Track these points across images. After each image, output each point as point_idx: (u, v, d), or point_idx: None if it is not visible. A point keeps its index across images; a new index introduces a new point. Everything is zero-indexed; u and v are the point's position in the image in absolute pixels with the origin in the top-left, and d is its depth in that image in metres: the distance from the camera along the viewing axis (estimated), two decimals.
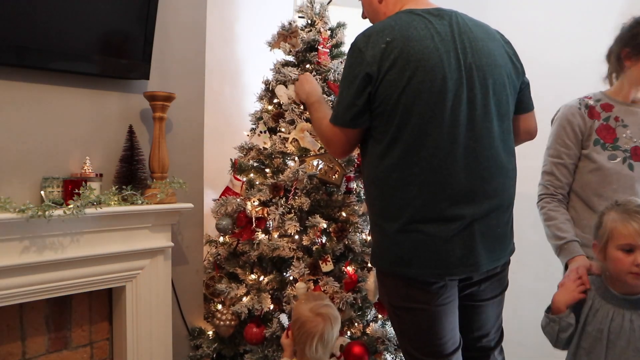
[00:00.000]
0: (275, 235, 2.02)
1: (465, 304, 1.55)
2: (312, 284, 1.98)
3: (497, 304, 1.63)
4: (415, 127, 1.39)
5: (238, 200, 2.14)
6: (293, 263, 1.97)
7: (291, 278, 1.97)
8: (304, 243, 1.99)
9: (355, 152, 2.19)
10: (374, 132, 1.46)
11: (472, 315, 1.58)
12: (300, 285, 1.93)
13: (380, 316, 2.17)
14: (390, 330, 2.16)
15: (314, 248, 2.00)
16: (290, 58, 2.24)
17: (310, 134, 2.08)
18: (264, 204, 2.07)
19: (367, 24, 1.63)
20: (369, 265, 2.12)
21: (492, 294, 1.59)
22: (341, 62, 2.25)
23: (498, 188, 1.48)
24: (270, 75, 2.24)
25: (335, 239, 2.00)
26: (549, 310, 1.59)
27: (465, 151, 1.41)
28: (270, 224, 2.05)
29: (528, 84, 1.66)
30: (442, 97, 1.39)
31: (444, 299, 1.46)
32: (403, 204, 1.42)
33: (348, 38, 2.34)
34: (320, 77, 2.16)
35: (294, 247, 2.00)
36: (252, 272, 2.09)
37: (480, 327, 1.61)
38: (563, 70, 2.92)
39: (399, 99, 1.39)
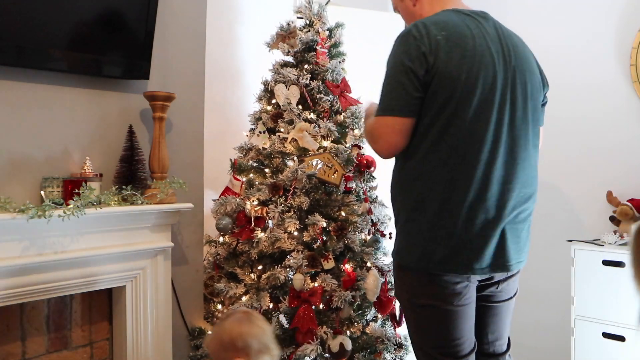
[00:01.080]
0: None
1: (482, 305, 1.57)
2: (309, 277, 1.99)
3: (510, 306, 1.65)
4: (464, 123, 1.41)
5: (237, 200, 2.14)
6: (292, 254, 1.97)
7: (291, 274, 1.97)
8: (305, 239, 1.99)
9: (355, 152, 2.20)
10: (420, 125, 1.45)
11: (488, 316, 1.60)
12: (297, 276, 1.94)
13: (379, 315, 2.17)
14: (390, 330, 2.16)
15: (314, 246, 2.00)
16: (289, 58, 2.24)
17: (309, 133, 2.09)
18: (263, 203, 2.08)
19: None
20: (368, 264, 2.12)
21: (507, 296, 1.61)
22: (339, 62, 2.25)
23: (529, 191, 1.52)
24: (269, 76, 2.25)
25: (334, 237, 2.01)
26: None
27: (505, 151, 1.45)
28: (270, 223, 2.05)
29: (547, 100, 1.68)
30: (492, 95, 1.43)
31: (467, 299, 1.48)
32: (442, 200, 1.43)
33: (346, 38, 2.35)
34: (318, 77, 2.17)
35: (294, 243, 2.01)
36: (251, 272, 2.09)
37: (494, 329, 1.62)
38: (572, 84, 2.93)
39: (453, 93, 1.40)
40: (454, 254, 1.43)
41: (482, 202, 1.43)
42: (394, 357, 2.17)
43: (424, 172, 1.45)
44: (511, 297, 1.64)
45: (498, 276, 1.54)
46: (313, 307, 1.95)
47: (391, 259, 2.25)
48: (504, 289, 1.59)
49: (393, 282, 1.68)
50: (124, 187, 1.86)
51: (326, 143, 2.13)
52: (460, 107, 1.41)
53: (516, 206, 1.49)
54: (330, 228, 2.03)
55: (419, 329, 1.55)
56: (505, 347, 1.66)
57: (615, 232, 2.52)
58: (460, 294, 1.47)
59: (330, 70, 2.17)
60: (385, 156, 1.54)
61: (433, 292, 1.47)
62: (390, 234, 2.25)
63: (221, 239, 2.23)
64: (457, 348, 1.49)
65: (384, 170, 2.40)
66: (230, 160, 2.27)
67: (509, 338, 1.69)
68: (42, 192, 1.70)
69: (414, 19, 1.61)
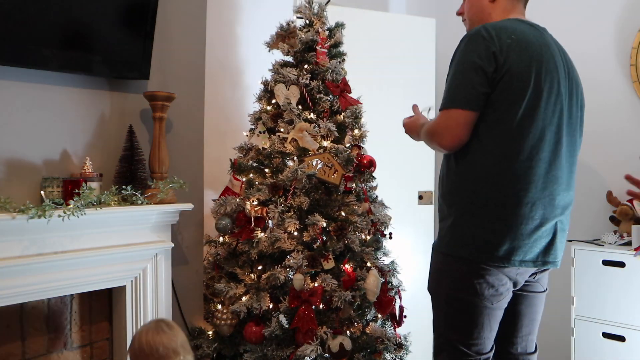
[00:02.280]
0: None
1: (518, 294, 1.67)
2: (309, 277, 1.99)
3: (543, 300, 1.75)
4: (533, 123, 1.49)
5: (237, 200, 2.14)
6: (292, 254, 1.97)
7: (291, 274, 1.97)
8: (305, 239, 1.99)
9: (355, 152, 2.20)
10: (486, 120, 1.51)
11: (525, 306, 1.70)
12: (297, 277, 1.94)
13: (379, 315, 2.17)
14: (390, 330, 2.16)
15: (314, 246, 2.00)
16: (289, 58, 2.24)
17: (309, 133, 2.09)
18: (263, 203, 2.08)
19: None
20: (368, 264, 2.12)
21: (542, 288, 1.74)
22: (339, 62, 2.25)
23: (573, 193, 1.66)
24: (269, 76, 2.25)
25: (334, 237, 2.01)
26: None
27: (564, 154, 1.57)
28: (270, 223, 2.05)
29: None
30: (557, 100, 1.54)
31: (504, 301, 1.60)
32: (506, 195, 1.51)
33: (346, 38, 2.35)
34: (318, 77, 2.17)
35: (294, 243, 2.01)
36: (251, 272, 2.09)
37: (528, 323, 1.71)
38: None
39: (523, 92, 1.48)
40: (516, 248, 1.52)
41: (542, 199, 1.52)
42: (394, 357, 2.17)
43: (490, 166, 1.52)
44: (545, 290, 1.74)
45: (541, 272, 1.69)
46: (313, 307, 1.95)
47: (391, 259, 2.24)
48: (539, 280, 1.71)
49: (430, 276, 1.71)
50: (124, 187, 1.86)
51: (326, 143, 2.13)
52: (529, 107, 1.49)
53: (566, 205, 1.61)
54: (330, 228, 2.03)
55: (451, 324, 1.62)
56: (535, 345, 1.75)
57: (615, 232, 2.52)
58: (501, 294, 1.57)
59: (330, 70, 2.17)
60: (448, 150, 1.59)
61: (477, 287, 1.55)
62: (390, 233, 2.25)
63: (221, 239, 2.23)
64: (485, 345, 1.60)
65: (383, 170, 2.40)
66: (230, 160, 2.27)
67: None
68: (42, 192, 1.70)
69: (481, 15, 1.72)
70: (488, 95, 1.49)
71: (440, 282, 1.64)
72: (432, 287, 1.69)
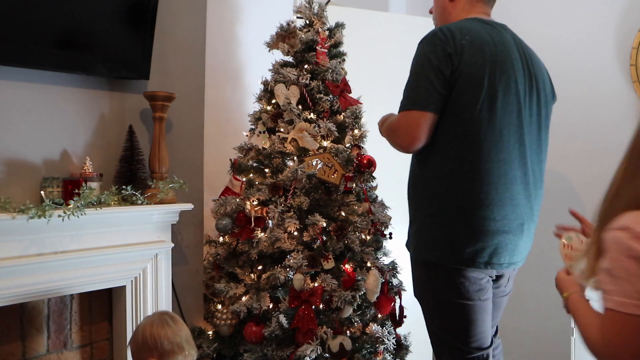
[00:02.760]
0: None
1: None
2: (309, 277, 1.99)
3: (506, 300, 1.82)
4: (490, 124, 1.49)
5: (237, 200, 2.14)
6: (292, 254, 1.97)
7: (291, 274, 1.97)
8: (305, 239, 1.99)
9: (355, 152, 2.20)
10: (443, 123, 1.51)
11: (494, 309, 1.72)
12: (297, 277, 1.94)
13: (379, 315, 2.17)
14: (390, 330, 2.16)
15: (314, 246, 2.00)
16: (289, 58, 2.24)
17: (309, 133, 2.09)
18: (263, 203, 2.08)
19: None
20: (368, 264, 2.12)
21: (509, 290, 1.79)
22: (339, 62, 2.25)
23: (542, 192, 1.65)
24: (269, 76, 2.25)
25: (334, 237, 2.01)
26: None
27: (528, 153, 1.56)
28: (270, 223, 2.05)
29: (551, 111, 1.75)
30: (515, 99, 1.53)
31: (489, 293, 1.62)
32: (469, 198, 1.52)
33: (346, 38, 2.35)
34: (318, 77, 2.17)
35: (294, 243, 2.01)
36: (251, 272, 2.09)
37: (494, 320, 1.77)
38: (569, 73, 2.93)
39: (477, 94, 1.48)
40: (480, 250, 1.52)
41: (503, 200, 1.52)
42: (394, 357, 2.17)
43: (450, 170, 1.52)
44: (510, 292, 1.81)
45: (508, 272, 1.68)
46: (313, 307, 1.95)
47: (391, 259, 2.25)
48: (508, 283, 1.75)
49: (414, 283, 1.73)
50: (124, 187, 1.86)
51: (326, 143, 2.13)
52: (485, 109, 1.49)
53: (535, 205, 1.61)
54: (330, 228, 2.03)
55: (446, 326, 1.63)
56: (496, 328, 1.85)
57: None
58: (484, 288, 1.58)
59: (330, 70, 2.17)
60: (406, 150, 1.60)
61: (460, 288, 1.56)
62: (390, 234, 2.25)
63: (221, 239, 2.23)
64: (483, 340, 1.62)
65: (383, 170, 2.40)
66: (230, 160, 2.27)
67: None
68: (42, 192, 1.70)
69: (443, 15, 1.76)
70: (446, 97, 1.49)
71: (425, 290, 1.66)
72: (418, 294, 1.70)
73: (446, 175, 1.53)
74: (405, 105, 1.54)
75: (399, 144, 1.59)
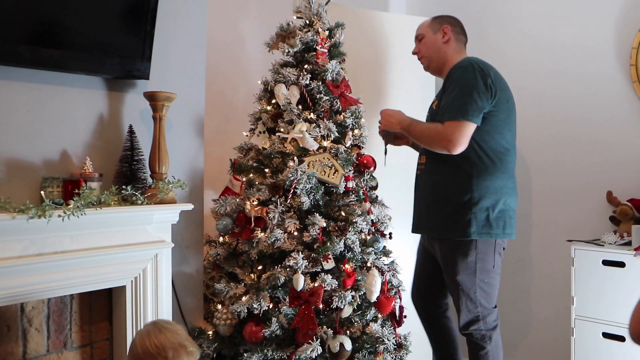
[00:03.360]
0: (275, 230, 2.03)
1: None
2: (309, 277, 1.99)
3: None
4: (509, 135, 2.24)
5: (237, 200, 2.14)
6: (292, 254, 1.97)
7: (291, 274, 1.97)
8: (305, 239, 2.00)
9: (355, 152, 2.21)
10: (481, 134, 2.17)
11: None
12: (297, 277, 1.94)
13: (379, 315, 2.17)
14: (390, 330, 2.16)
15: (315, 246, 2.00)
16: (289, 59, 2.24)
17: (309, 133, 2.09)
18: (263, 203, 2.08)
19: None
20: (368, 264, 2.12)
21: None
22: (339, 62, 2.25)
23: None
24: (269, 76, 2.25)
25: (335, 237, 2.01)
26: None
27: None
28: (270, 223, 2.05)
29: None
30: (515, 116, 2.29)
31: None
32: (498, 188, 2.21)
33: (347, 38, 2.35)
34: (318, 77, 2.17)
35: (294, 243, 2.01)
36: (251, 272, 2.09)
37: None
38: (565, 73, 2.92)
39: (507, 115, 2.22)
40: (510, 226, 2.24)
41: (514, 189, 2.27)
42: (394, 357, 2.17)
43: (480, 167, 2.18)
44: None
45: None
46: (313, 307, 1.95)
47: (391, 259, 2.25)
48: None
49: (455, 266, 2.23)
50: (124, 187, 1.86)
51: (326, 143, 2.13)
52: (508, 126, 2.23)
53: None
54: (330, 228, 2.03)
55: (488, 295, 2.26)
56: None
57: (615, 232, 2.52)
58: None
59: (330, 70, 2.17)
60: (455, 152, 2.12)
61: (497, 259, 2.26)
62: (390, 233, 2.25)
63: (221, 239, 2.23)
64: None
65: (384, 169, 2.40)
66: (230, 160, 2.27)
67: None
68: (42, 192, 1.70)
69: (438, 53, 2.36)
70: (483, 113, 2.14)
71: (476, 269, 2.21)
72: (467, 276, 2.21)
73: (482, 173, 2.18)
74: (459, 116, 2.10)
75: (451, 148, 2.11)
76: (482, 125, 2.13)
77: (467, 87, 2.09)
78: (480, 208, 2.15)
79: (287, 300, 1.99)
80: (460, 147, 2.09)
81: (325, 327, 1.99)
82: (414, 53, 2.44)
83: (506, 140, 2.20)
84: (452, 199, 2.18)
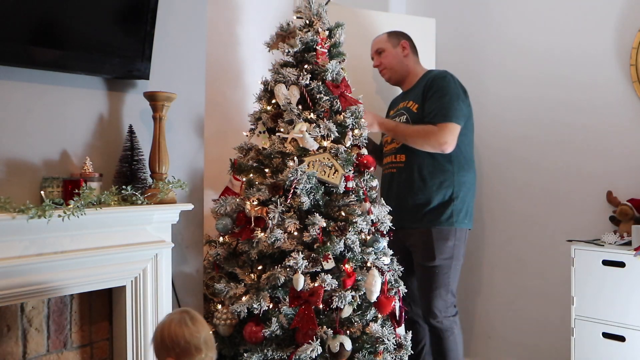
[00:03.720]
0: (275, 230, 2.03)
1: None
2: (309, 277, 1.99)
3: None
4: (473, 137, 2.65)
5: (237, 200, 2.14)
6: (292, 254, 1.97)
7: (291, 274, 1.97)
8: (305, 239, 1.99)
9: (355, 152, 2.21)
10: (460, 134, 2.50)
11: None
12: (297, 277, 1.94)
13: (379, 315, 2.17)
14: (390, 330, 2.16)
15: (315, 246, 2.00)
16: (289, 58, 2.24)
17: (309, 133, 2.09)
18: (263, 203, 2.08)
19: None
20: (368, 264, 2.12)
21: None
22: (339, 62, 2.25)
23: None
24: (269, 76, 2.25)
25: (335, 237, 2.01)
26: None
27: None
28: (270, 223, 2.05)
29: None
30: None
31: None
32: (468, 182, 2.58)
33: (347, 38, 2.35)
34: (318, 77, 2.17)
35: (294, 243, 2.01)
36: (251, 272, 2.09)
37: None
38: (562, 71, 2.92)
39: (470, 120, 2.60)
40: (473, 218, 2.63)
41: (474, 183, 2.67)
42: (393, 357, 2.17)
43: (459, 164, 2.54)
44: None
45: None
46: (313, 307, 1.95)
47: (391, 259, 2.25)
48: None
49: (434, 250, 2.49)
50: (124, 187, 1.86)
51: (326, 143, 2.13)
52: (472, 130, 2.63)
53: None
54: (330, 228, 2.03)
55: (454, 282, 2.54)
56: None
57: (615, 232, 2.52)
58: None
59: (330, 71, 2.17)
60: (447, 151, 2.44)
61: (464, 249, 2.59)
62: (390, 233, 2.25)
63: (221, 239, 2.23)
64: None
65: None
66: (230, 160, 2.27)
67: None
68: (42, 192, 1.70)
69: (401, 65, 2.69)
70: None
71: (451, 255, 2.49)
72: (443, 256, 2.49)
73: (460, 167, 2.53)
74: (452, 119, 2.42)
75: (446, 148, 2.43)
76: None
77: (454, 94, 2.44)
78: (460, 201, 2.52)
79: (287, 300, 1.98)
80: (452, 147, 2.42)
81: (325, 327, 1.99)
82: (375, 66, 2.74)
83: (472, 142, 2.62)
84: (438, 193, 2.50)
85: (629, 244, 2.38)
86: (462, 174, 2.53)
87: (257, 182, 2.13)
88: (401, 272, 2.30)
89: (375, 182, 2.31)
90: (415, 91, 2.61)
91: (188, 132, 2.21)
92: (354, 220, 2.05)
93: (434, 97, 2.46)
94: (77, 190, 1.70)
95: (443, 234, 2.49)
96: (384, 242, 2.20)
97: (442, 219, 2.49)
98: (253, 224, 2.05)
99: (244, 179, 2.20)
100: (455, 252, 2.49)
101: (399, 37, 2.70)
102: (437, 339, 2.55)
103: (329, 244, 1.99)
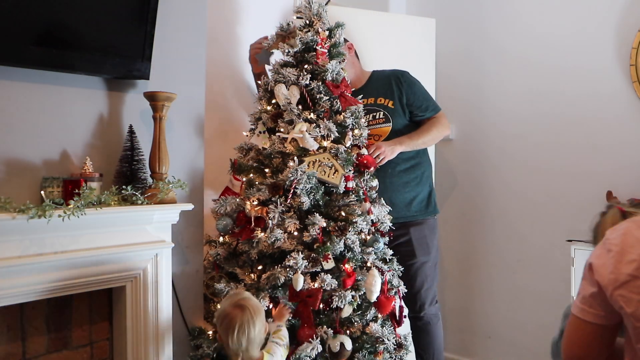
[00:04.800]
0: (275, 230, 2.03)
1: None
2: (309, 277, 1.99)
3: None
4: None
5: (237, 200, 2.14)
6: (291, 254, 1.97)
7: (291, 274, 1.97)
8: (305, 239, 2.00)
9: (355, 152, 2.21)
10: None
11: None
12: (297, 277, 1.94)
13: (379, 315, 2.17)
14: (390, 330, 2.16)
15: (315, 246, 2.00)
16: (289, 59, 2.24)
17: (309, 133, 2.09)
18: (263, 203, 2.08)
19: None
20: (368, 264, 2.12)
21: None
22: (339, 62, 2.25)
23: None
24: (269, 76, 2.25)
25: (335, 237, 2.01)
26: None
27: None
28: (270, 223, 2.05)
29: None
30: None
31: None
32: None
33: (347, 38, 2.35)
34: (318, 77, 2.17)
35: (294, 243, 2.01)
36: (251, 272, 2.09)
37: None
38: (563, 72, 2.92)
39: None
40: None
41: None
42: (393, 357, 2.17)
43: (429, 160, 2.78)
44: None
45: None
46: (311, 308, 1.95)
47: (391, 259, 2.24)
48: None
49: (429, 243, 2.61)
50: (124, 187, 1.86)
51: (326, 143, 2.13)
52: None
53: None
54: (330, 228, 2.03)
55: (436, 274, 2.65)
56: None
57: None
58: None
59: (330, 71, 2.17)
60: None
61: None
62: (391, 233, 2.25)
63: (221, 239, 2.23)
64: None
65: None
66: (230, 160, 2.27)
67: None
68: (42, 192, 1.70)
69: (354, 69, 2.66)
70: None
71: (433, 242, 2.61)
72: (435, 249, 2.62)
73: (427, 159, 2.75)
74: (439, 108, 2.66)
75: (448, 133, 2.70)
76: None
77: (423, 87, 2.65)
78: (434, 190, 2.73)
79: (287, 297, 1.98)
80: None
81: (325, 326, 1.99)
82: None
83: None
84: (426, 186, 2.68)
85: None
86: (430, 166, 2.76)
87: (257, 182, 2.13)
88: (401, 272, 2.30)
89: (375, 182, 2.31)
90: (373, 88, 2.65)
91: (188, 132, 2.21)
92: (354, 220, 2.05)
93: (411, 91, 2.61)
94: (77, 190, 1.70)
95: (431, 225, 2.64)
96: (383, 242, 2.21)
97: (431, 208, 2.65)
98: (253, 224, 2.05)
99: (244, 179, 2.20)
100: (436, 242, 2.65)
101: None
102: (424, 330, 2.60)
103: (329, 244, 1.99)
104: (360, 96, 2.49)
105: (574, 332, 1.06)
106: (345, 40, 2.60)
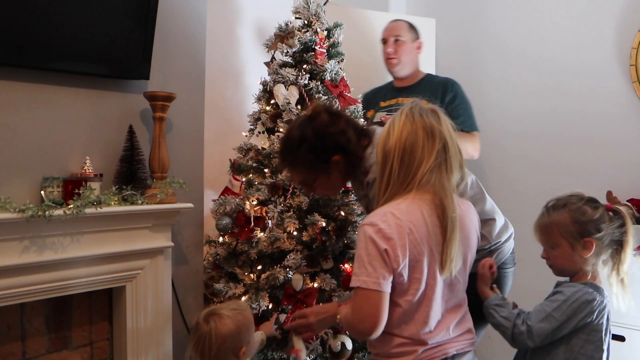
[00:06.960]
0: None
1: None
2: (308, 277, 1.99)
3: None
4: None
5: (237, 200, 2.14)
6: (291, 254, 1.97)
7: (290, 274, 1.97)
8: (304, 239, 2.00)
9: None
10: None
11: None
12: (296, 277, 1.94)
13: None
14: None
15: (314, 246, 2.00)
16: (288, 59, 2.24)
17: None
18: (262, 203, 2.08)
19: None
20: None
21: None
22: (338, 62, 2.25)
23: None
24: (268, 76, 2.25)
25: (334, 237, 2.01)
26: None
27: None
28: (269, 223, 2.05)
29: None
30: None
31: None
32: None
33: (346, 38, 2.35)
34: (317, 77, 2.17)
35: (294, 243, 2.01)
36: (251, 272, 2.09)
37: None
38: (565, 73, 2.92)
39: None
40: None
41: None
42: None
43: None
44: None
45: None
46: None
47: None
48: None
49: None
50: (124, 187, 1.86)
51: None
52: None
53: None
54: (329, 228, 2.03)
55: None
56: None
57: None
58: None
59: (329, 70, 2.17)
60: (475, 158, 2.61)
61: None
62: None
63: (221, 239, 2.23)
64: None
65: None
66: (230, 160, 2.27)
67: None
68: (42, 192, 1.71)
69: (411, 62, 2.64)
70: None
71: None
72: None
73: None
74: (476, 127, 2.58)
75: (476, 152, 2.61)
76: None
77: (469, 104, 2.57)
78: None
79: (281, 299, 1.99)
80: (479, 154, 2.63)
81: None
82: (387, 51, 2.63)
83: None
84: None
85: None
86: None
87: (256, 182, 2.14)
88: None
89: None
90: (420, 90, 2.59)
91: (188, 132, 2.22)
92: (353, 220, 2.05)
93: (457, 105, 2.55)
94: (77, 190, 1.70)
95: None
96: None
97: None
98: (252, 224, 2.05)
99: (244, 179, 2.20)
100: None
101: (417, 34, 2.70)
102: None
103: (328, 243, 1.99)
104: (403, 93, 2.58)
105: (366, 302, 1.31)
106: (418, 36, 2.68)
